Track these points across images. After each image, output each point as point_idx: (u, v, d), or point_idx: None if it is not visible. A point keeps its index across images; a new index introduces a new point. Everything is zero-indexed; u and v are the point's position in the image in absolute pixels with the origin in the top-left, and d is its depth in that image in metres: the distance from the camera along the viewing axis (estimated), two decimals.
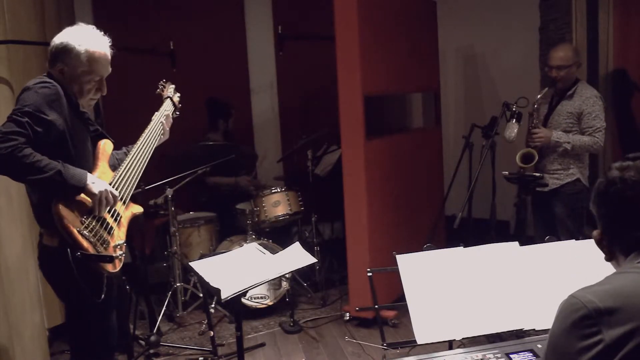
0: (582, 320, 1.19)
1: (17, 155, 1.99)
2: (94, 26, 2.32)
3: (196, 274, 2.52)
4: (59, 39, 2.26)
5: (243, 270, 2.51)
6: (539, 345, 1.76)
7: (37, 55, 3.53)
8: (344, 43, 3.78)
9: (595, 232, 1.39)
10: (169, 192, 4.12)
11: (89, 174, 2.18)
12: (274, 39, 5.57)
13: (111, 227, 2.26)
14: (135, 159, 2.45)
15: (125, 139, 2.61)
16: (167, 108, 2.74)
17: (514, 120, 3.69)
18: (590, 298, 1.21)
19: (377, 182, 3.97)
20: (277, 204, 4.47)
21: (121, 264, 2.26)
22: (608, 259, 1.38)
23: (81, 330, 2.36)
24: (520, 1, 5.20)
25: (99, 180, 2.21)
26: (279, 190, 4.51)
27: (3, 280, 2.96)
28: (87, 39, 2.26)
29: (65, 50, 2.23)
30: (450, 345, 2.10)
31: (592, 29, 4.66)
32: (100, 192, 2.16)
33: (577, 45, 4.48)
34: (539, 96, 3.71)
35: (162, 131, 2.64)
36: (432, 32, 4.86)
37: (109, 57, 2.32)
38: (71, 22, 4.50)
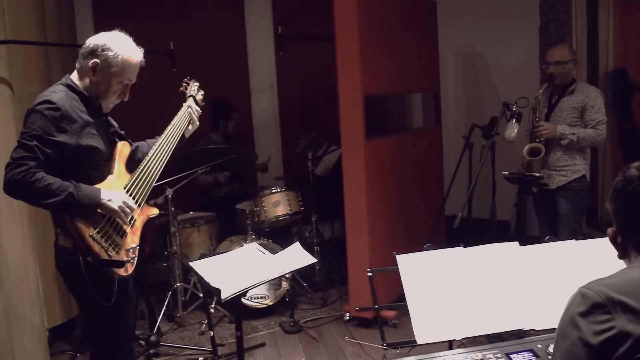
0: (594, 307, 1.21)
1: (28, 181, 2.03)
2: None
3: (196, 274, 2.52)
4: (99, 39, 2.29)
5: (243, 270, 2.51)
6: (539, 345, 1.76)
7: (37, 55, 3.53)
8: (344, 43, 3.78)
9: (609, 230, 1.40)
10: (169, 192, 4.12)
11: (102, 191, 2.17)
12: (274, 39, 5.57)
13: (124, 231, 2.26)
14: (151, 163, 2.43)
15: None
16: (190, 106, 2.72)
17: (514, 120, 3.70)
18: (602, 289, 1.23)
19: (377, 182, 3.97)
20: (277, 204, 4.47)
21: (133, 268, 2.26)
22: (621, 256, 1.39)
23: (96, 331, 2.37)
24: (520, 1, 5.20)
25: (113, 193, 2.20)
26: (279, 190, 4.51)
27: (3, 280, 2.96)
28: (125, 44, 2.32)
29: (105, 49, 2.27)
30: (450, 345, 2.10)
31: (592, 29, 4.66)
32: (120, 206, 2.19)
33: (577, 45, 4.49)
34: (540, 91, 3.78)
35: (185, 126, 2.63)
36: (432, 32, 4.86)
37: (139, 67, 2.37)
38: (71, 22, 4.50)
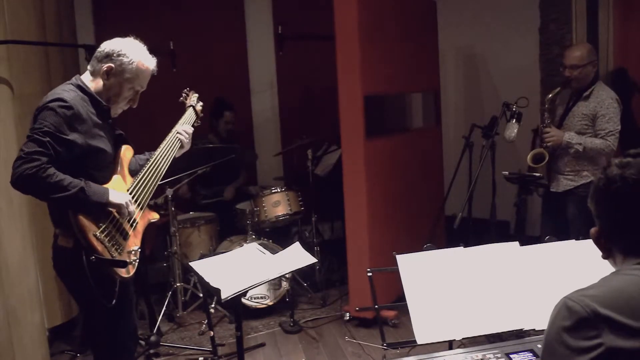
0: (580, 323, 1.15)
1: (41, 176, 2.04)
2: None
3: (196, 274, 2.52)
4: (115, 44, 2.31)
5: (243, 270, 2.51)
6: (539, 345, 1.76)
7: (37, 55, 3.53)
8: (344, 43, 3.78)
9: (593, 230, 1.35)
10: (169, 192, 4.12)
11: (110, 190, 2.21)
12: (274, 39, 5.57)
13: (127, 233, 2.28)
14: (154, 166, 2.47)
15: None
16: (188, 117, 2.77)
17: (514, 120, 3.68)
18: (588, 302, 1.17)
19: (377, 182, 3.97)
20: (277, 204, 4.47)
21: (134, 270, 2.28)
22: (605, 256, 1.35)
23: (96, 331, 2.38)
24: (520, 1, 5.20)
25: (120, 193, 2.25)
26: (279, 190, 4.51)
27: (3, 280, 2.96)
28: (140, 51, 2.35)
29: (120, 54, 2.29)
30: (450, 345, 2.10)
31: (592, 29, 4.66)
32: (126, 202, 2.24)
33: None
34: (550, 95, 3.64)
35: (181, 142, 2.66)
36: (432, 32, 4.86)
37: (150, 75, 2.40)
38: (71, 22, 4.49)
